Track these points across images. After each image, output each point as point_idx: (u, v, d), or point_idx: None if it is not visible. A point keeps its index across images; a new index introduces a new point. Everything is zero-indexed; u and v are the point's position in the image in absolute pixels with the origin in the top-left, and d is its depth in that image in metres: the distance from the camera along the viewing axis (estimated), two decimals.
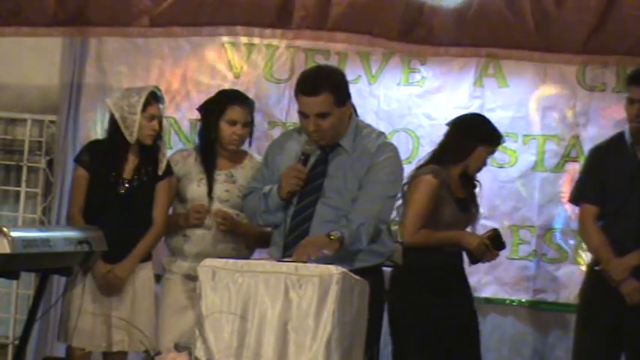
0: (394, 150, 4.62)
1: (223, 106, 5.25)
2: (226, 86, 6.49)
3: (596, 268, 5.15)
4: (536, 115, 6.32)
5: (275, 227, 4.57)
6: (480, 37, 5.90)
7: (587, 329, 5.21)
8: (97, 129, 6.55)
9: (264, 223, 4.55)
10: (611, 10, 5.75)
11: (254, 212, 4.55)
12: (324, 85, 4.35)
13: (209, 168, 5.25)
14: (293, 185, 4.32)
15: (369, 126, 4.60)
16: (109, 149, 5.41)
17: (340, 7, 5.88)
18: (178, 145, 6.50)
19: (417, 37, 5.92)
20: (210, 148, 5.29)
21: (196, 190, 5.23)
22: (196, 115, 6.45)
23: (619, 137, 5.31)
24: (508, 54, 6.01)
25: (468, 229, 5.44)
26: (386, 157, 4.48)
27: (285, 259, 4.14)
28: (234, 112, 5.24)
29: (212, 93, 6.46)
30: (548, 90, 6.33)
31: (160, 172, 5.37)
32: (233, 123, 5.22)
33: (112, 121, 5.41)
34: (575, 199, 5.43)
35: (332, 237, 4.23)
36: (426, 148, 6.34)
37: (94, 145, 5.54)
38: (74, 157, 5.55)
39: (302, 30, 5.92)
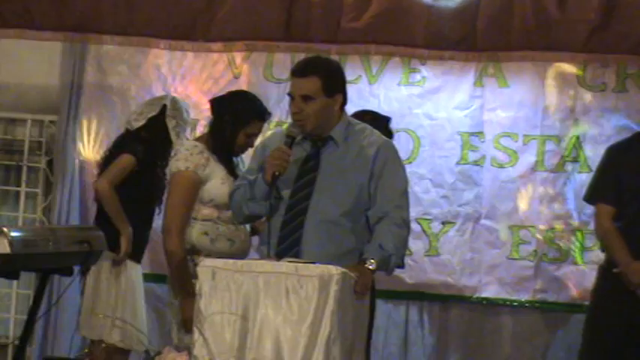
0: (396, 151, 4.59)
1: (249, 119, 5.06)
2: (226, 86, 6.50)
3: (615, 270, 5.09)
4: (536, 115, 6.33)
5: (268, 219, 4.50)
6: (481, 38, 5.90)
7: (599, 330, 5.16)
8: (98, 128, 6.57)
9: (250, 212, 4.43)
10: (614, 9, 5.75)
11: (239, 206, 4.46)
12: (314, 69, 4.33)
13: (233, 170, 5.14)
14: (277, 166, 4.22)
15: (360, 123, 4.58)
16: (160, 150, 5.57)
17: (342, 21, 5.91)
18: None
19: (420, 42, 5.93)
20: (230, 151, 5.13)
21: None
22: (195, 114, 6.51)
23: (638, 136, 5.26)
24: (509, 56, 6.01)
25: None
26: (394, 167, 4.44)
27: (294, 260, 4.09)
28: (257, 127, 5.11)
29: (212, 93, 6.49)
30: (548, 90, 6.33)
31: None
32: (251, 136, 5.11)
33: (163, 125, 5.59)
34: (590, 199, 5.37)
35: (371, 268, 4.20)
36: (427, 149, 6.36)
37: (148, 145, 5.59)
38: (132, 149, 5.57)
39: (311, 44, 5.91)
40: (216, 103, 5.18)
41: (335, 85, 4.36)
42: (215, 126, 5.10)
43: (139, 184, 5.53)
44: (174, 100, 5.72)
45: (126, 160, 5.52)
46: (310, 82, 4.29)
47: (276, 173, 4.22)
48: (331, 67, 4.43)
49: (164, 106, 5.61)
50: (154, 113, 5.59)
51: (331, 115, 4.37)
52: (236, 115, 5.03)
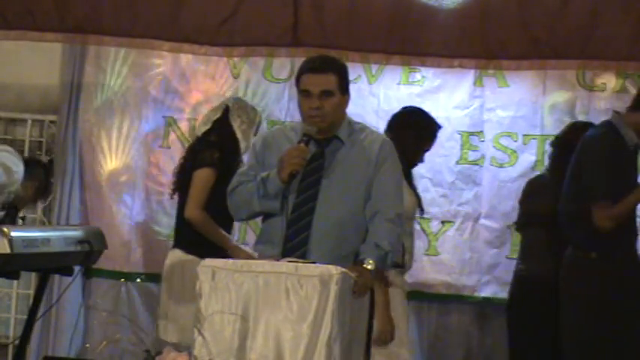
0: (394, 148, 4.59)
1: (431, 136, 5.26)
2: (225, 85, 6.51)
3: None
4: (535, 114, 6.33)
5: (266, 218, 4.48)
6: (480, 46, 5.92)
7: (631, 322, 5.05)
8: (97, 128, 6.58)
9: (262, 209, 4.43)
10: (610, 14, 5.76)
11: (247, 202, 4.44)
12: (331, 65, 4.35)
13: (411, 182, 5.24)
14: (296, 165, 4.21)
15: (359, 122, 4.59)
16: (231, 151, 5.50)
17: (345, 24, 5.92)
18: (176, 144, 6.52)
19: (424, 50, 5.95)
20: (410, 165, 5.23)
21: None
22: (194, 114, 6.51)
23: (611, 126, 5.20)
24: (507, 65, 6.03)
25: None
26: (391, 163, 4.44)
27: (294, 260, 4.09)
28: (431, 144, 5.32)
29: (211, 92, 6.50)
30: (548, 90, 6.33)
31: None
32: (425, 151, 5.30)
33: (229, 125, 5.51)
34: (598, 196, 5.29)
35: (369, 268, 4.20)
36: None
37: (220, 149, 5.49)
38: (208, 161, 5.40)
39: (314, 48, 5.90)
40: (399, 118, 5.25)
41: (346, 83, 4.39)
42: (398, 140, 5.01)
43: (221, 192, 5.44)
44: (236, 100, 5.67)
45: (205, 175, 5.37)
46: (330, 77, 4.29)
47: (294, 172, 4.23)
48: (342, 65, 4.47)
49: (227, 108, 5.58)
50: (218, 116, 5.53)
51: (342, 113, 4.39)
52: (420, 131, 5.14)
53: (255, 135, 5.61)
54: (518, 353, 5.62)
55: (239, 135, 5.50)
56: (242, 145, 5.52)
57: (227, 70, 6.53)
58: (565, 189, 5.13)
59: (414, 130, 5.16)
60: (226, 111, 5.54)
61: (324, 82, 4.28)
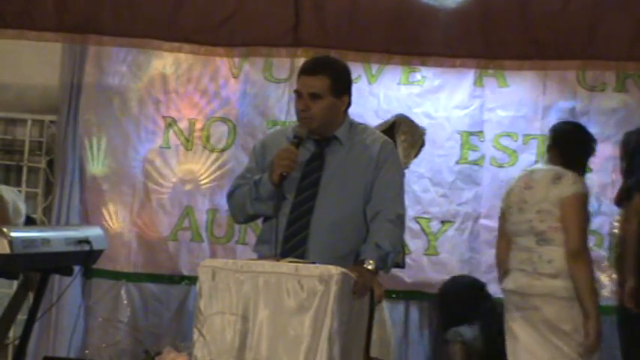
0: (395, 148, 4.59)
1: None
2: (225, 85, 6.51)
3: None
4: (536, 114, 6.34)
5: (264, 220, 4.49)
6: (480, 46, 5.93)
7: None
8: (97, 128, 6.58)
9: (255, 212, 4.42)
10: (609, 15, 5.78)
11: (242, 205, 4.45)
12: (324, 68, 4.35)
13: None
14: (285, 167, 4.22)
15: (361, 123, 4.60)
16: None
17: (343, 26, 5.93)
18: (176, 145, 6.52)
19: (423, 50, 5.96)
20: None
21: None
22: (195, 114, 6.51)
23: None
24: (508, 65, 6.04)
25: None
26: (392, 164, 4.44)
27: (294, 260, 4.09)
28: None
29: (211, 92, 6.51)
30: (548, 90, 6.34)
31: None
32: None
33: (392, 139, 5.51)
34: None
35: (370, 268, 4.20)
36: (426, 148, 6.35)
37: None
38: None
39: (315, 48, 5.90)
40: (565, 134, 5.21)
41: (342, 86, 4.37)
42: (579, 151, 5.13)
43: None
44: (404, 118, 5.66)
45: None
46: (320, 80, 4.29)
47: (284, 174, 4.23)
48: (340, 67, 4.44)
49: (394, 123, 5.56)
50: (383, 129, 5.47)
51: (337, 116, 4.37)
52: (585, 146, 5.14)
53: (416, 156, 5.66)
54: None
55: (400, 151, 5.47)
56: (401, 161, 5.50)
57: (227, 70, 6.53)
58: None
59: (580, 145, 5.13)
60: (392, 126, 5.53)
61: (313, 85, 4.29)
